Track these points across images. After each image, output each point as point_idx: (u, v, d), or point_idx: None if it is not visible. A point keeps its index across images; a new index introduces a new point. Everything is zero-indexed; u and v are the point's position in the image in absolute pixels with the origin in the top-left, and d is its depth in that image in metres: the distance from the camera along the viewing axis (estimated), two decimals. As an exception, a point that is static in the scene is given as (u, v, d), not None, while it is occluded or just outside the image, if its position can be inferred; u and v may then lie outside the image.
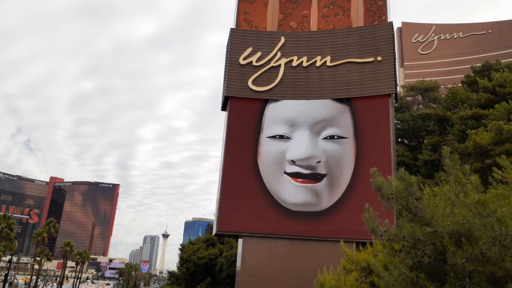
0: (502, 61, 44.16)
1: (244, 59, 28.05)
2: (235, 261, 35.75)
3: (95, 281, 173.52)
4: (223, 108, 28.84)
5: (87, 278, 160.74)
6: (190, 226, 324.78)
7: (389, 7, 28.44)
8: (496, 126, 25.83)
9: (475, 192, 7.05)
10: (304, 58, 27.60)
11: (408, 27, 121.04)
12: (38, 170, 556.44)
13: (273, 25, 29.49)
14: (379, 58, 25.96)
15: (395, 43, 27.28)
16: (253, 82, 27.52)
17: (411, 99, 49.35)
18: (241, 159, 26.56)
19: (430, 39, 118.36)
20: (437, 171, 30.03)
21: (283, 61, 27.69)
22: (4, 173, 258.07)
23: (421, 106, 47.01)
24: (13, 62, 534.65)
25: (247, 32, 29.19)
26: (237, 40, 28.96)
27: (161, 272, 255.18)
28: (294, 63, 27.60)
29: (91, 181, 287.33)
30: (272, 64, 27.71)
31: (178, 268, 54.69)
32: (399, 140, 40.09)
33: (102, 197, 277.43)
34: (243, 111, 27.47)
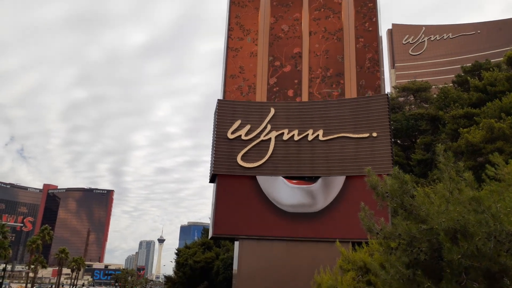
0: (491, 60, 44.69)
1: (233, 133, 26.64)
2: (231, 264, 35.65)
3: (91, 287, 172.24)
4: (212, 181, 27.43)
5: (83, 285, 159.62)
6: (185, 230, 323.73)
7: (379, 10, 28.73)
8: (488, 124, 26.13)
9: (470, 189, 7.14)
10: (296, 131, 26.26)
11: (399, 29, 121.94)
12: (32, 178, 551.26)
13: (264, 28, 29.62)
14: (374, 134, 24.88)
15: (385, 49, 26.99)
16: (242, 158, 26.16)
17: (403, 99, 49.75)
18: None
19: (420, 40, 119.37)
20: (430, 170, 30.29)
21: (273, 135, 26.34)
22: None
23: (413, 106, 47.40)
24: (4, 72, 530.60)
25: (235, 103, 27.91)
26: (225, 112, 27.51)
27: (157, 277, 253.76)
28: (285, 137, 26.27)
29: (85, 188, 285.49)
30: (262, 137, 26.35)
31: (174, 272, 54.46)
32: (392, 140, 40.35)
33: (96, 203, 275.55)
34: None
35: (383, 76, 28.73)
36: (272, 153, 26.12)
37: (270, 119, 26.82)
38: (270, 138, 26.33)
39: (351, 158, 24.93)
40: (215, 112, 28.04)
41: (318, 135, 25.93)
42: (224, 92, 28.65)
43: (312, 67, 28.73)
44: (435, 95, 43.14)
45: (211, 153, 27.21)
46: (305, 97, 28.01)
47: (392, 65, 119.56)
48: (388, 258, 8.52)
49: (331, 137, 25.76)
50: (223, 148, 26.65)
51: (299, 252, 24.44)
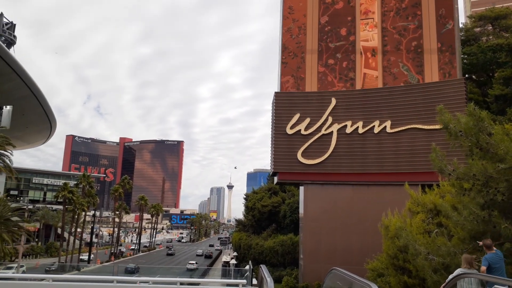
0: None
1: (292, 127, 25.35)
2: (297, 208, 36.53)
3: (169, 230, 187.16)
4: (273, 175, 26.93)
5: (162, 228, 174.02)
6: (252, 177, 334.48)
7: None
8: None
9: (557, 123, 6.48)
10: (360, 123, 24.23)
11: None
12: (109, 133, 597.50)
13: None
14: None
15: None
16: (303, 154, 24.99)
17: (480, 29, 45.14)
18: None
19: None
20: (510, 106, 27.93)
21: (335, 128, 24.66)
22: (79, 137, 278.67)
23: (491, 37, 42.92)
24: (75, 34, 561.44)
25: (293, 95, 26.17)
26: (282, 106, 26.09)
27: (229, 221, 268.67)
28: (348, 130, 24.45)
29: (157, 140, 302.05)
30: (323, 131, 24.87)
31: (244, 216, 57.13)
32: (466, 76, 37.34)
33: (168, 153, 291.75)
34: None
35: (457, 5, 26.17)
36: (334, 148, 24.74)
37: (331, 110, 25.07)
38: (331, 132, 24.83)
39: (422, 152, 22.51)
40: (273, 104, 26.68)
41: (385, 126, 23.95)
42: (282, 34, 27.92)
43: (384, -1, 26.85)
44: (517, 22, 38.65)
45: (270, 149, 26.63)
46: (358, 35, 26.49)
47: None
48: (461, 200, 8.17)
49: (400, 128, 23.75)
50: (283, 144, 25.75)
51: (365, 196, 24.34)
